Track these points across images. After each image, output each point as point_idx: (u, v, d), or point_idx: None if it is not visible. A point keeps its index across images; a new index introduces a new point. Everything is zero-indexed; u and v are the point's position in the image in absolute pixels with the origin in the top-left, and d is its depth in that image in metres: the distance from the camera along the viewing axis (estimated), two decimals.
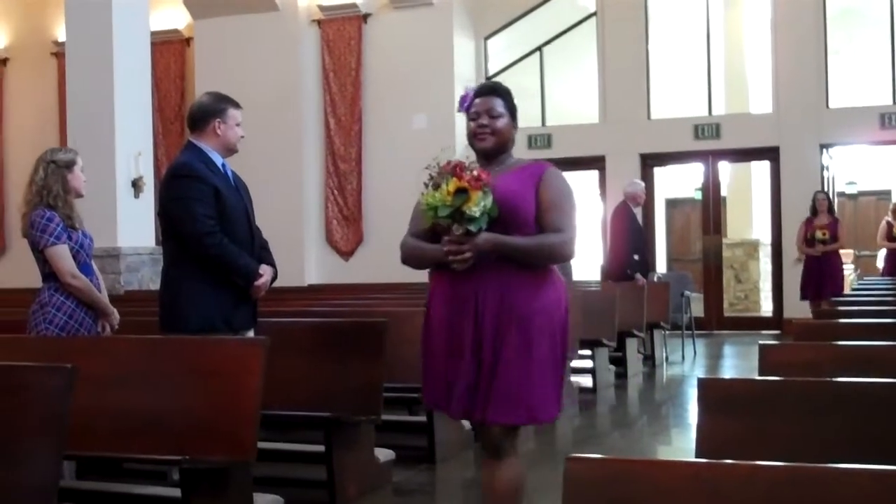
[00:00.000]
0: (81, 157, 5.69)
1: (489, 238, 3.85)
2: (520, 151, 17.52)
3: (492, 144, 4.11)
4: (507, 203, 3.91)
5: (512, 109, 4.18)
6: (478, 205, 3.76)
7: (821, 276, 12.55)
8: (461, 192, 3.77)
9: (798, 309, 12.66)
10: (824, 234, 12.57)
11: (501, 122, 4.10)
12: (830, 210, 12.92)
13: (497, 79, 16.03)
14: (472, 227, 3.80)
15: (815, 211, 12.84)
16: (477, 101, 4.14)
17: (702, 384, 3.08)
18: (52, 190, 5.42)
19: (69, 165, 5.52)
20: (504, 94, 4.19)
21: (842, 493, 1.89)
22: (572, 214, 4.07)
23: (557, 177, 4.11)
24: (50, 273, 5.43)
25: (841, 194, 18.15)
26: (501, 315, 3.92)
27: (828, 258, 12.62)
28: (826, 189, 14.66)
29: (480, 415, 3.94)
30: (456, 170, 3.84)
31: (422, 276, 8.12)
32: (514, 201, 3.94)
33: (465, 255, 3.84)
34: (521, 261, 3.95)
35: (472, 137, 4.14)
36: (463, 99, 4.17)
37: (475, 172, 3.82)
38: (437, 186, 3.84)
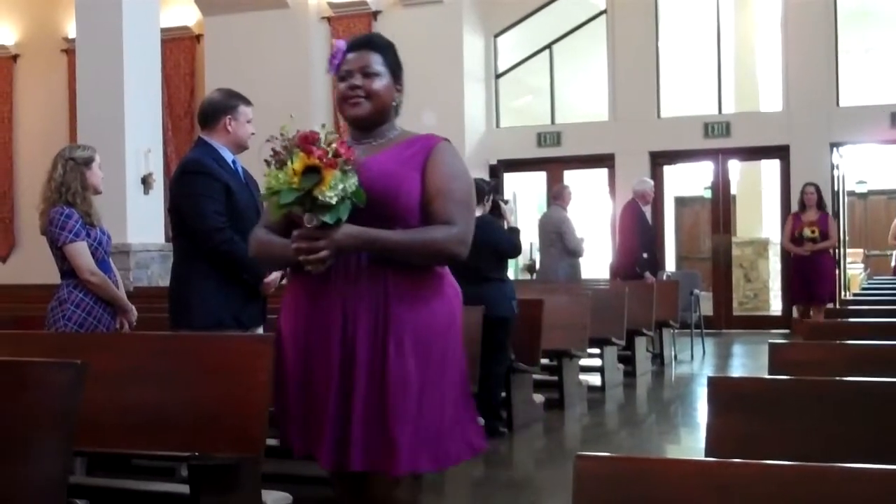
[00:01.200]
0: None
1: (352, 232, 3.04)
2: (529, 150, 17.64)
3: (366, 111, 3.28)
4: (381, 187, 3.12)
5: (394, 68, 3.35)
6: (333, 188, 2.94)
7: (810, 278, 11.42)
8: (311, 172, 2.95)
9: None
10: (813, 232, 11.40)
11: (379, 84, 3.28)
12: (820, 204, 11.77)
13: (507, 76, 16.08)
14: (328, 218, 2.98)
15: (803, 205, 11.79)
16: (349, 56, 3.31)
17: (711, 382, 3.08)
18: (71, 187, 5.45)
19: (87, 162, 5.55)
20: (384, 48, 3.36)
21: (852, 493, 1.89)
22: (467, 203, 3.29)
23: (450, 154, 3.31)
24: (69, 270, 5.45)
25: (851, 193, 18.11)
26: (377, 335, 3.12)
27: (818, 258, 11.48)
28: (836, 188, 14.62)
29: (358, 463, 3.13)
30: (304, 142, 3.01)
31: None
32: (389, 185, 3.15)
33: (319, 254, 3.02)
34: (400, 261, 3.15)
35: (343, 102, 3.30)
36: (333, 55, 3.33)
37: (333, 146, 2.99)
38: (282, 164, 3.02)
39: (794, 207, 14.22)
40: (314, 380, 3.19)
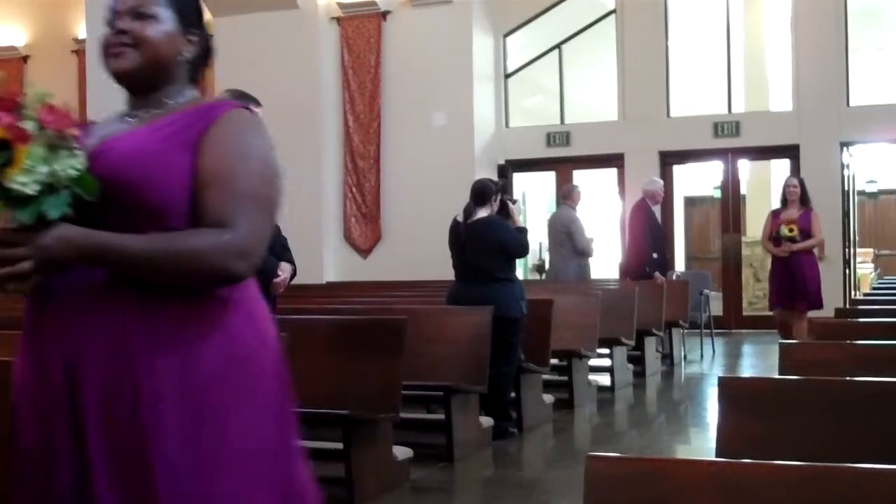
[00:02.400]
0: None
1: (69, 236, 2.09)
2: (538, 150, 17.69)
3: (131, 64, 2.36)
4: (125, 174, 2.19)
5: (184, 12, 2.44)
6: (30, 172, 2.02)
7: (791, 283, 10.10)
8: (1, 149, 2.05)
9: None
10: (791, 231, 9.99)
11: (154, 29, 2.37)
12: (804, 200, 10.36)
13: (516, 76, 16.09)
14: (25, 216, 2.04)
15: (785, 201, 10.43)
16: None
17: (722, 383, 3.07)
18: None
19: None
20: None
21: (864, 493, 1.88)
22: (257, 196, 2.26)
23: (240, 126, 2.31)
24: None
25: (861, 193, 18.06)
26: (114, 390, 2.13)
27: (798, 260, 10.09)
28: (846, 188, 14.57)
29: None
30: None
31: (443, 273, 8.11)
32: (138, 170, 2.20)
33: (16, 266, 2.06)
34: (150, 281, 2.16)
35: (104, 53, 2.39)
36: None
37: (28, 112, 2.08)
38: None
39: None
40: (44, 450, 2.18)
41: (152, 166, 2.20)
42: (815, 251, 10.55)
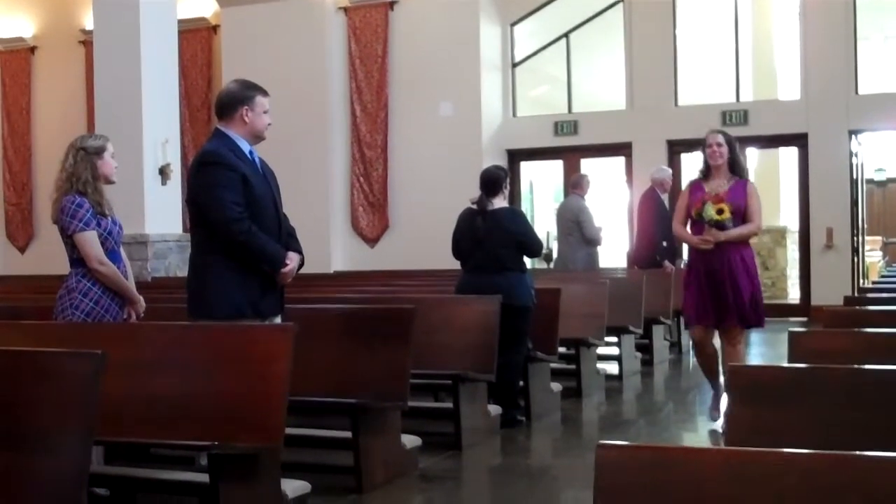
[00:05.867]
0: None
1: None
2: (546, 139, 17.71)
3: None
4: None
5: None
6: None
7: (716, 289, 6.84)
8: None
9: (826, 296, 12.56)
10: (721, 213, 6.66)
11: None
12: (734, 167, 6.98)
13: (523, 66, 16.07)
14: None
15: (707, 169, 7.03)
16: None
17: (731, 371, 3.07)
18: (82, 177, 5.45)
19: (99, 152, 5.55)
20: None
21: (873, 481, 1.88)
22: None
23: None
24: (78, 259, 5.46)
25: (870, 181, 18.02)
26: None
27: (727, 256, 6.82)
28: (855, 176, 14.51)
29: None
30: None
31: (451, 261, 8.13)
32: None
33: None
34: None
35: None
36: None
37: None
38: None
39: (813, 196, 14.12)
40: None
41: None
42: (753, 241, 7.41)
